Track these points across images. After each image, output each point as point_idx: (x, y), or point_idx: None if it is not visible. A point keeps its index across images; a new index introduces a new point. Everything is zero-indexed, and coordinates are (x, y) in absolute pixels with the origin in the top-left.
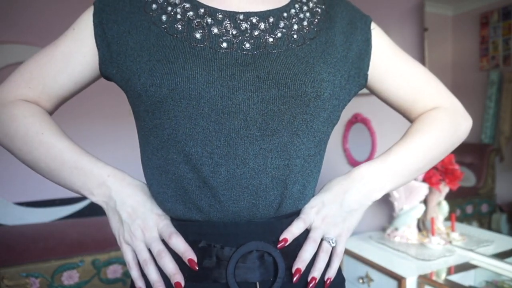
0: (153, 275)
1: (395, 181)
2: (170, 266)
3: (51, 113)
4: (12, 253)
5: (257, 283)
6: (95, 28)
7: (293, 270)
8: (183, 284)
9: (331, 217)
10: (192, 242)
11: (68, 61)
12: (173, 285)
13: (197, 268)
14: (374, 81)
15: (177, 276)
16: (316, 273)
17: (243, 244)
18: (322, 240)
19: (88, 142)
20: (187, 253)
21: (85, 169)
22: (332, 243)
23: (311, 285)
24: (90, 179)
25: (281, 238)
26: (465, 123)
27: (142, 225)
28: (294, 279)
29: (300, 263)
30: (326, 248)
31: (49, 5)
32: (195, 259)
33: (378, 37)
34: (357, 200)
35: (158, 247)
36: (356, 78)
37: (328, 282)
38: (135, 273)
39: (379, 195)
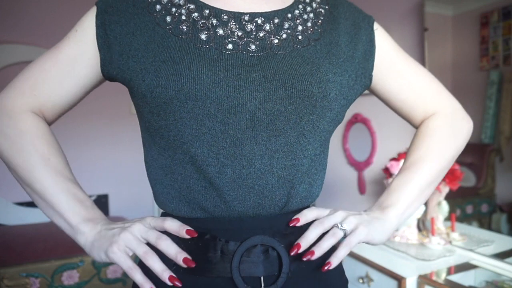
0: (157, 264)
1: (413, 210)
2: (173, 248)
3: (54, 121)
4: (12, 253)
5: (262, 278)
6: (97, 29)
7: (294, 245)
8: (190, 257)
9: (354, 215)
10: (197, 234)
11: (73, 64)
12: (182, 263)
13: (193, 265)
14: (376, 82)
15: (182, 254)
16: (317, 250)
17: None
18: (333, 227)
19: (88, 142)
20: (182, 227)
21: (66, 219)
22: (343, 228)
23: (305, 258)
24: (71, 229)
25: (294, 217)
26: (466, 125)
27: (128, 226)
28: (292, 253)
29: (302, 240)
30: (336, 232)
31: (49, 6)
32: (195, 232)
33: (381, 37)
34: (382, 235)
35: (155, 234)
36: (363, 78)
37: (326, 267)
38: (139, 276)
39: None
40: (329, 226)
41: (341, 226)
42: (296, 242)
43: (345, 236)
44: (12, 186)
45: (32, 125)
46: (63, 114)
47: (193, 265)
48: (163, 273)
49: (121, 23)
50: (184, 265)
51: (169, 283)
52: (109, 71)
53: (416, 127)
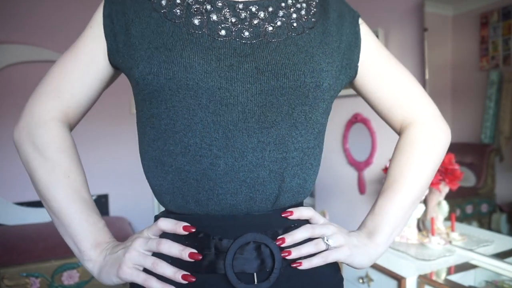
0: (168, 269)
1: (398, 231)
2: (175, 248)
3: (78, 121)
4: (12, 253)
5: (255, 274)
6: (104, 19)
7: (278, 237)
8: (196, 251)
9: (344, 235)
10: (191, 233)
11: (91, 60)
12: (188, 258)
13: (200, 257)
14: (357, 76)
15: (186, 250)
16: (295, 251)
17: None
18: (320, 237)
19: (88, 142)
20: (178, 224)
21: (75, 242)
22: (328, 244)
23: (282, 255)
24: (80, 254)
25: (288, 210)
26: (442, 134)
27: (129, 245)
28: (277, 243)
29: (288, 236)
30: (319, 243)
31: (50, 6)
32: (191, 226)
33: (365, 32)
34: (365, 261)
35: (154, 241)
36: (348, 69)
37: (295, 265)
38: (156, 283)
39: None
40: (317, 235)
41: (327, 241)
42: (281, 236)
43: (326, 250)
44: (12, 186)
45: (57, 137)
46: (86, 112)
47: (200, 257)
48: (176, 274)
49: (124, 12)
50: (191, 259)
51: (185, 282)
52: (115, 59)
53: (396, 132)
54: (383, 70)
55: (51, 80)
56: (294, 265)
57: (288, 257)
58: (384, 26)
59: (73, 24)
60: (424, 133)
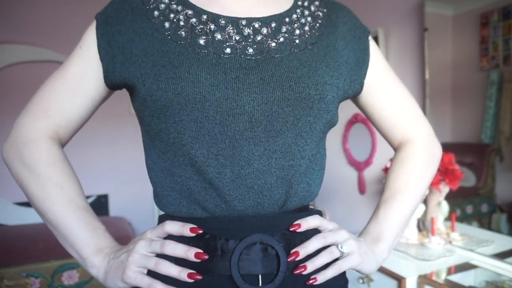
0: (172, 268)
1: (399, 238)
2: (179, 248)
3: (70, 138)
4: (12, 253)
5: (260, 276)
6: (98, 40)
7: (291, 252)
8: (200, 250)
9: (355, 240)
10: (197, 235)
11: (81, 80)
12: (194, 259)
13: (207, 257)
14: (363, 93)
15: (191, 250)
16: (310, 265)
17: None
18: (332, 245)
19: (88, 142)
20: (185, 227)
21: (77, 250)
22: (342, 250)
23: (297, 271)
24: (83, 261)
25: (295, 222)
26: (438, 152)
27: (132, 248)
28: (289, 259)
29: (301, 249)
30: (333, 251)
31: (49, 6)
32: (199, 228)
33: (374, 50)
34: (373, 266)
35: (158, 243)
36: (356, 84)
37: (311, 281)
38: (161, 287)
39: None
40: (329, 243)
41: (341, 248)
42: (295, 250)
43: (340, 257)
44: (12, 186)
45: (46, 153)
46: (78, 130)
47: (206, 256)
48: (181, 273)
49: (121, 32)
50: (197, 259)
51: (190, 280)
52: (112, 80)
53: (394, 147)
54: (388, 91)
55: (39, 100)
56: (310, 281)
57: (304, 272)
58: (384, 26)
59: (73, 24)
60: (424, 150)
